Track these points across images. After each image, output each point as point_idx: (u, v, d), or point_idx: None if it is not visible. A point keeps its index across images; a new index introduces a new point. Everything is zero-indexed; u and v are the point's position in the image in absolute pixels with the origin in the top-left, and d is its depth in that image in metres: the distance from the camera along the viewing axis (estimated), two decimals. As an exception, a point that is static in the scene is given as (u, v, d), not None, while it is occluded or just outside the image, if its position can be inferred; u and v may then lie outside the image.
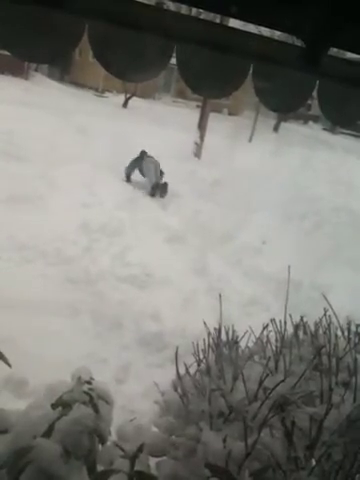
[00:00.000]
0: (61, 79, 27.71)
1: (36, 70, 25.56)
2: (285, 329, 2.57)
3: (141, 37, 1.95)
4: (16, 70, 21.49)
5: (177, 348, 2.23)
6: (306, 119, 32.51)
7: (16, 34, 1.80)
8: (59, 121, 13.32)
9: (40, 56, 1.97)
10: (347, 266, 7.87)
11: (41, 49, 1.86)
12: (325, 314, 2.60)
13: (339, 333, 2.58)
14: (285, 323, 2.59)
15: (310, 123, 32.76)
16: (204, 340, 2.42)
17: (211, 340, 2.44)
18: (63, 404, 1.85)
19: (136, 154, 11.22)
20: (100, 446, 1.93)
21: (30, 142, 10.61)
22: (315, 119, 32.08)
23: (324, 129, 31.05)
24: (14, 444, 1.79)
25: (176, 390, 2.19)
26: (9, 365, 1.98)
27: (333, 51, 2.03)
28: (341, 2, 1.68)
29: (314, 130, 30.02)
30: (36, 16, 1.77)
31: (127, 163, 11.00)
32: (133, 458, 1.84)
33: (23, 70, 23.06)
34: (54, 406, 1.85)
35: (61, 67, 27.75)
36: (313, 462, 1.78)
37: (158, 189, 10.59)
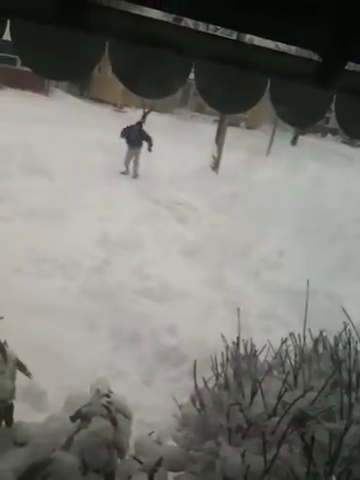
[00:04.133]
0: (80, 95, 28.16)
1: (56, 86, 26.04)
2: (304, 343, 2.55)
3: (159, 54, 1.99)
4: (37, 86, 21.91)
5: (195, 362, 2.23)
6: (324, 132, 32.37)
7: (38, 52, 1.85)
8: (79, 136, 13.50)
9: (62, 74, 2.02)
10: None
11: (63, 67, 1.91)
12: (345, 328, 2.58)
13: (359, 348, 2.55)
14: (304, 337, 2.57)
15: (328, 136, 32.60)
16: (222, 354, 2.41)
17: (229, 354, 2.43)
18: (82, 417, 1.86)
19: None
20: (119, 460, 1.93)
21: (51, 157, 10.76)
22: (333, 132, 31.92)
23: (343, 142, 30.84)
24: (33, 456, 1.80)
25: (194, 404, 2.18)
26: (29, 377, 2.00)
27: (350, 65, 2.04)
28: (357, 17, 1.70)
29: (332, 143, 29.86)
30: (58, 34, 1.82)
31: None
32: (151, 472, 1.83)
33: (43, 86, 23.50)
34: (73, 418, 1.86)
35: (80, 83, 28.20)
36: (333, 478, 1.76)
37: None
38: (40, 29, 1.82)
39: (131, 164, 12.82)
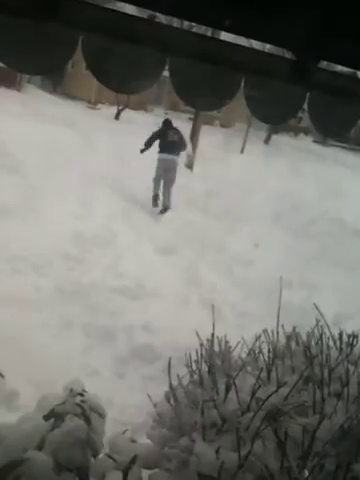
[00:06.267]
0: (53, 91, 27.77)
1: (29, 82, 25.62)
2: (277, 340, 2.57)
3: (134, 49, 1.97)
4: (9, 82, 21.52)
5: (170, 359, 2.22)
6: (297, 131, 32.73)
7: (11, 46, 1.81)
8: (52, 133, 13.32)
9: (35, 68, 1.98)
10: (336, 270, 8.06)
11: (36, 61, 1.87)
12: (317, 324, 2.61)
13: (331, 343, 2.59)
14: (277, 334, 2.59)
15: (301, 135, 32.99)
16: (197, 351, 2.42)
17: (204, 351, 2.44)
18: (55, 416, 1.84)
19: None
20: (93, 458, 1.91)
21: (24, 153, 10.59)
22: (306, 131, 32.32)
23: (315, 141, 31.25)
24: (5, 457, 1.77)
25: (169, 402, 2.18)
26: (2, 376, 1.97)
27: (323, 64, 2.07)
28: (330, 16, 1.71)
29: (305, 142, 30.25)
30: (31, 28, 1.78)
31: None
32: (126, 470, 1.82)
33: (15, 81, 23.10)
34: (46, 418, 1.83)
35: (54, 79, 27.81)
36: (306, 473, 1.78)
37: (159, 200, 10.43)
38: (11, 22, 1.79)
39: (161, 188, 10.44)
